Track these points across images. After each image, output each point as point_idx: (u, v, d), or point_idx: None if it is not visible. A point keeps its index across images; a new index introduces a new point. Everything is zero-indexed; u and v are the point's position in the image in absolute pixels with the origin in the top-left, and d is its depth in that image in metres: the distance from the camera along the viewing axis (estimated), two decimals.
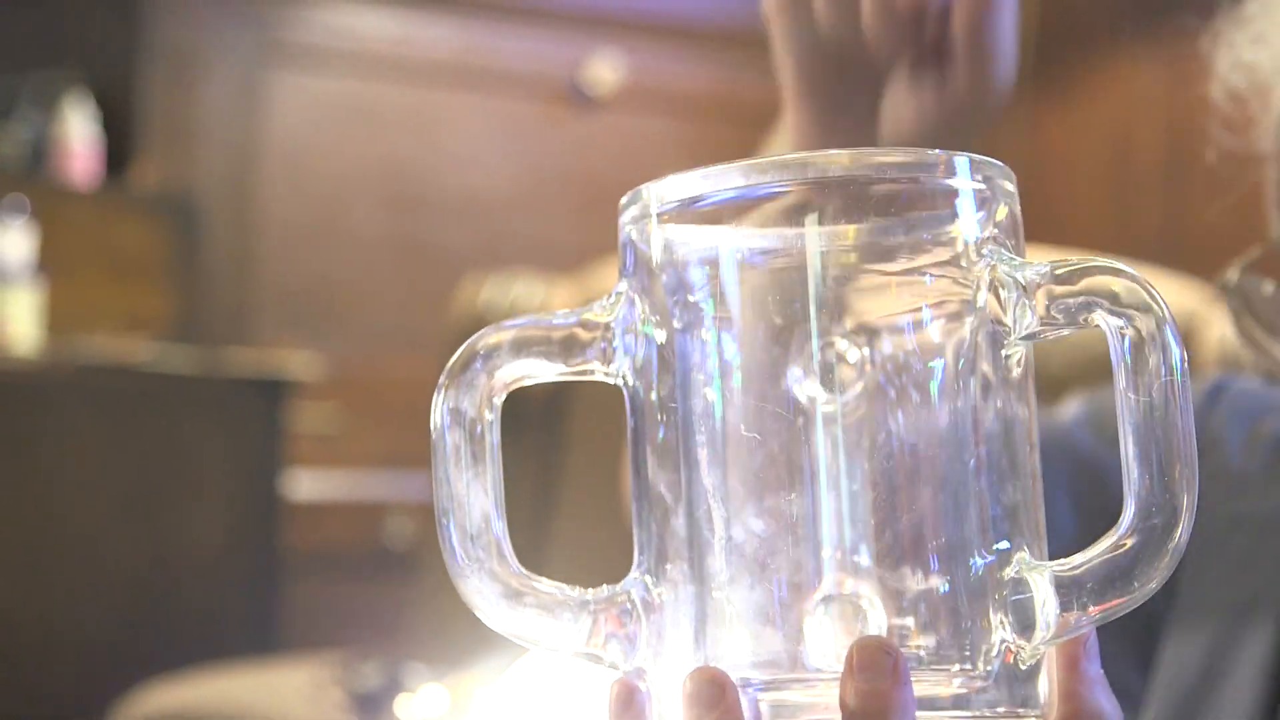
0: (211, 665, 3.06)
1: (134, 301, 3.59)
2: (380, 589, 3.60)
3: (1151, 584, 0.79)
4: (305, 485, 3.65)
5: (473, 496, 0.86)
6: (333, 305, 4.14)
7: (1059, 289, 0.80)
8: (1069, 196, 4.37)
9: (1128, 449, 0.80)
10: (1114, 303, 0.79)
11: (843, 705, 0.78)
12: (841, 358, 0.82)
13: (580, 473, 3.09)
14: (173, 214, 3.69)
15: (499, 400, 0.86)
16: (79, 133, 3.70)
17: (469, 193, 4.26)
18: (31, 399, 3.27)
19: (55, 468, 3.26)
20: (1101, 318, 0.79)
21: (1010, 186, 0.85)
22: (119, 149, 3.79)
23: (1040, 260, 0.81)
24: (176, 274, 3.69)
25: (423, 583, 3.17)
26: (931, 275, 0.82)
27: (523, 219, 4.10)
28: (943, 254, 0.82)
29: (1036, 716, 0.82)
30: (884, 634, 0.80)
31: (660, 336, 0.84)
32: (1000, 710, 0.81)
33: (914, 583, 0.81)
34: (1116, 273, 0.79)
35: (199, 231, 3.73)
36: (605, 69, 4.19)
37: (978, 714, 0.82)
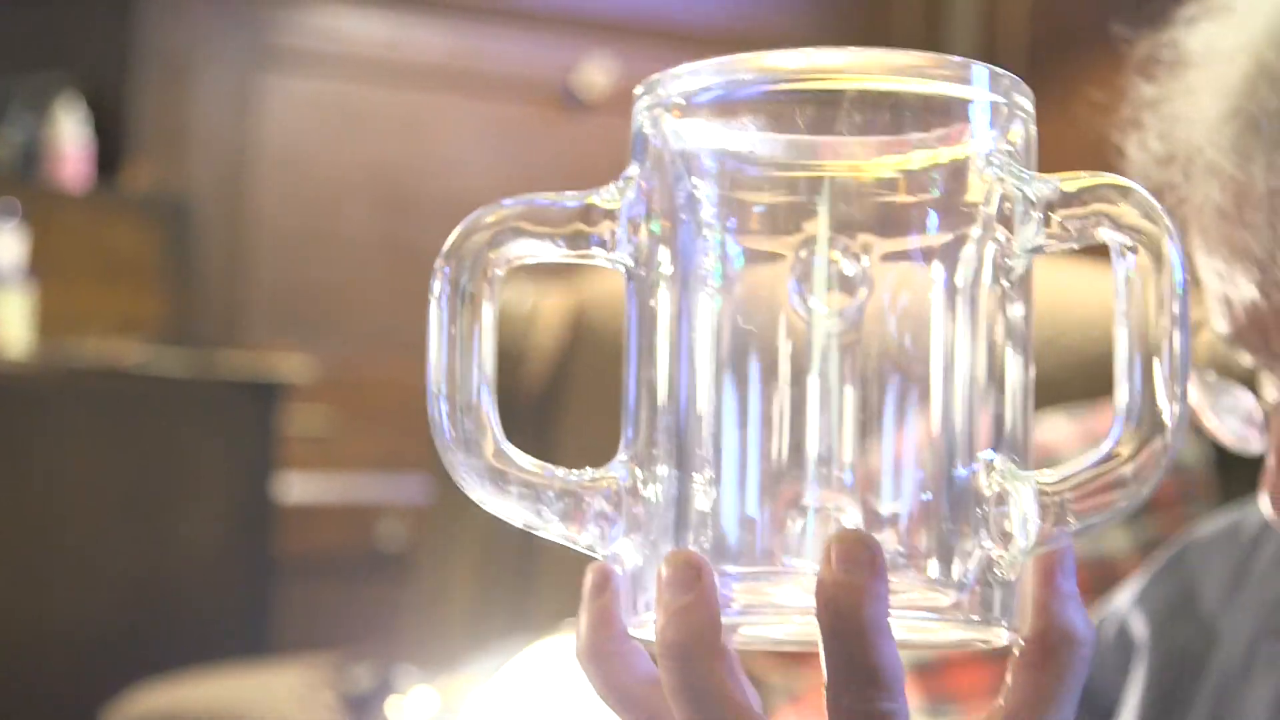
0: (205, 667, 3.07)
1: (126, 304, 3.60)
2: (373, 591, 3.62)
3: (1140, 496, 0.79)
4: (298, 488, 3.66)
5: (467, 371, 0.86)
6: (325, 308, 4.15)
7: (1065, 205, 0.80)
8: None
9: (1120, 362, 0.81)
10: (1119, 220, 0.80)
11: (819, 595, 0.78)
12: (845, 267, 0.82)
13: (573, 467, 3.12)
14: (165, 217, 3.70)
15: (499, 273, 0.86)
16: (71, 136, 3.71)
17: (461, 196, 4.26)
18: (24, 402, 3.28)
19: (49, 471, 3.26)
20: (1106, 234, 0.79)
21: (1029, 105, 0.86)
22: (111, 152, 3.80)
23: (1049, 175, 0.83)
24: (169, 277, 3.70)
25: (415, 585, 3.18)
26: (940, 184, 0.83)
27: None
28: (953, 161, 0.83)
29: (1010, 628, 0.83)
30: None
31: (664, 228, 0.84)
32: (975, 619, 0.81)
33: (897, 491, 0.82)
34: (1124, 192, 0.79)
35: (191, 234, 3.73)
36: (597, 73, 4.21)
37: (952, 621, 0.83)
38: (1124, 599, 1.49)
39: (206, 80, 4.04)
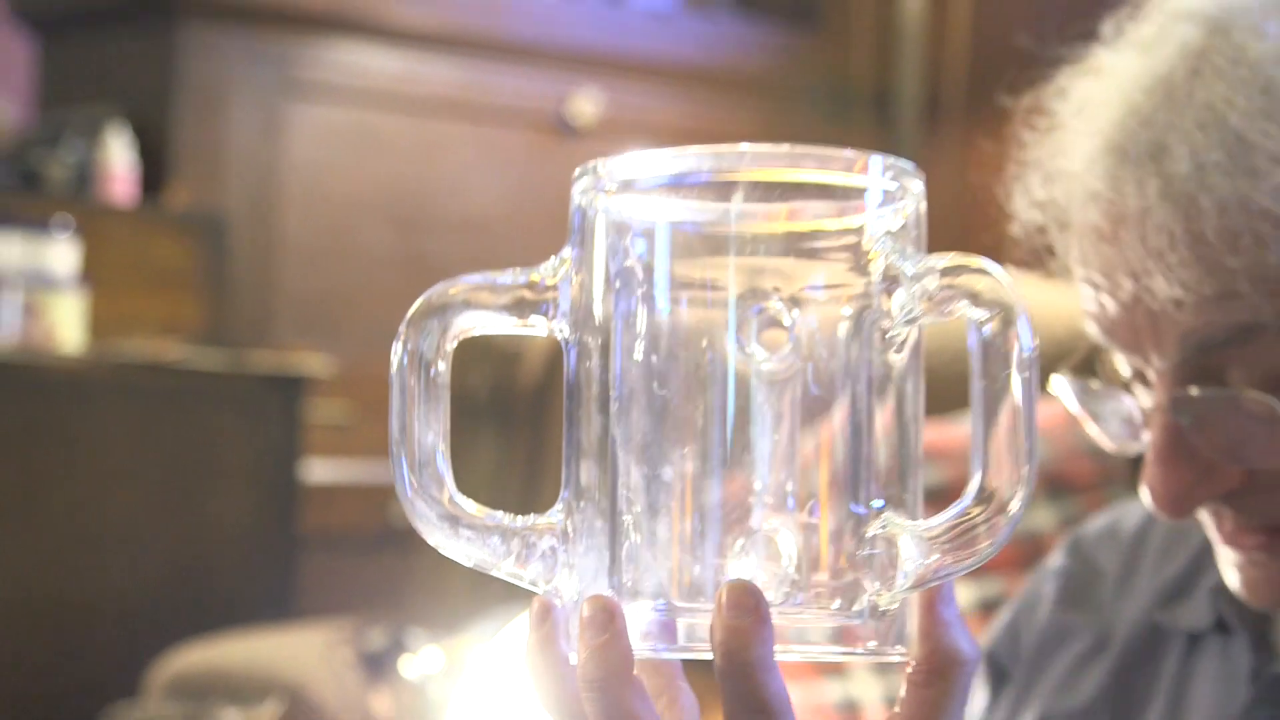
0: (237, 629, 3.08)
1: (168, 309, 3.60)
2: (385, 562, 3.62)
3: (990, 549, 0.81)
4: (318, 471, 3.66)
5: (423, 431, 0.87)
6: (343, 312, 4.14)
7: (934, 282, 0.81)
8: (1004, 224, 4.42)
9: (976, 428, 0.82)
10: (976, 299, 0.80)
11: (712, 639, 0.80)
12: (775, 318, 0.82)
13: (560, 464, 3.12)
14: (202, 231, 3.70)
15: (451, 347, 0.87)
16: (118, 159, 3.70)
17: (464, 213, 4.27)
18: (77, 394, 3.29)
19: (97, 455, 3.27)
20: (965, 309, 0.81)
21: (918, 187, 0.86)
22: (154, 173, 3.80)
23: (927, 255, 0.83)
24: (205, 284, 3.70)
25: (422, 557, 3.19)
26: (837, 260, 0.84)
27: (511, 236, 4.11)
28: (849, 240, 0.83)
29: (900, 654, 0.84)
30: (792, 579, 0.83)
31: (599, 297, 0.84)
32: (871, 645, 0.83)
33: (807, 528, 0.83)
34: (983, 272, 0.81)
35: (225, 247, 3.74)
36: (586, 103, 4.21)
37: (849, 649, 0.84)
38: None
39: (238, 110, 4.03)
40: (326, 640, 2.86)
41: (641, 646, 0.83)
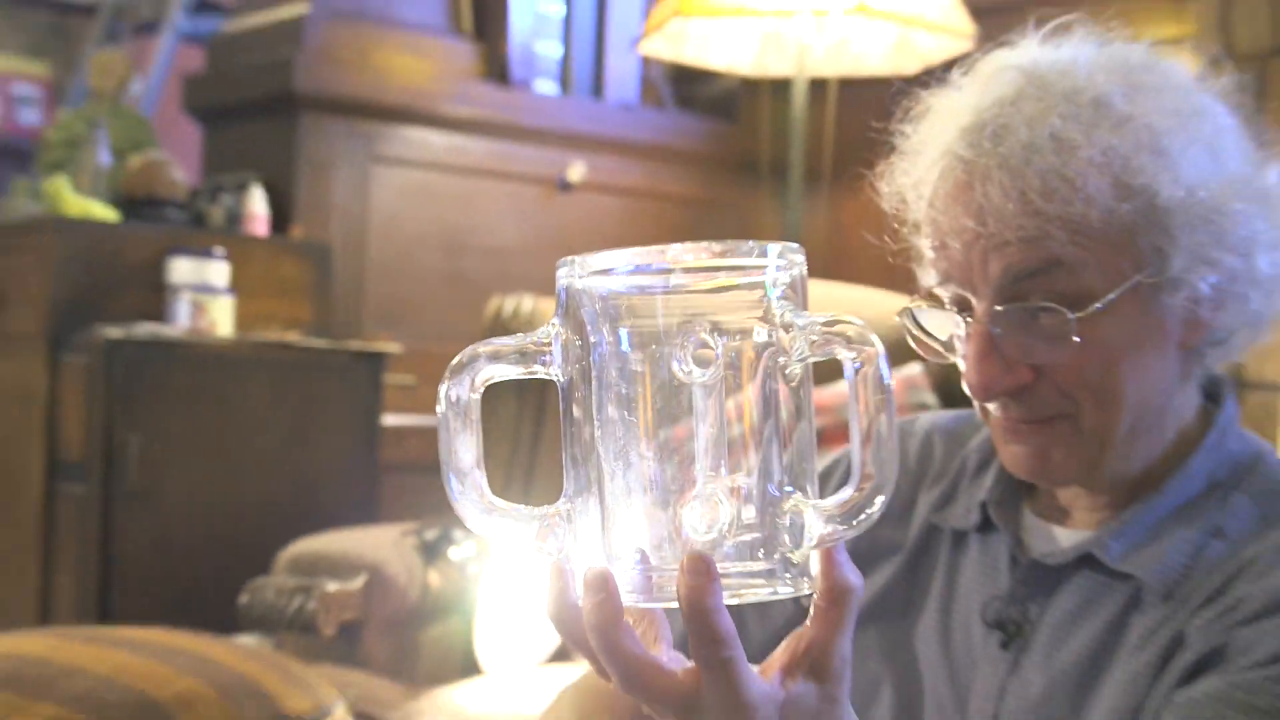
0: (336, 528, 3.10)
1: (289, 309, 3.60)
2: (437, 483, 3.62)
3: (868, 520, 0.82)
4: (391, 419, 3.67)
5: (464, 453, 0.87)
6: (408, 311, 4.13)
7: (817, 331, 0.81)
8: (861, 256, 4.38)
9: (854, 438, 0.82)
10: (848, 344, 0.81)
11: (679, 595, 0.80)
12: (705, 343, 0.82)
13: (556, 442, 3.09)
14: (313, 256, 3.70)
15: (479, 391, 0.86)
16: (257, 207, 3.69)
17: (493, 243, 4.26)
18: (227, 367, 3.29)
19: (242, 409, 3.28)
20: (839, 351, 0.81)
21: (800, 259, 0.85)
22: (280, 217, 3.79)
23: (812, 312, 0.84)
24: (315, 293, 3.70)
25: None
26: (748, 315, 0.84)
27: (525, 259, 4.10)
28: (755, 300, 0.84)
29: (809, 589, 0.85)
30: (725, 526, 0.83)
31: (579, 348, 0.84)
32: (787, 579, 0.84)
33: (742, 499, 0.83)
34: (852, 324, 0.81)
35: (329, 267, 3.74)
36: (576, 170, 4.20)
37: (774, 589, 0.84)
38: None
39: (339, 173, 4.02)
40: (397, 535, 2.86)
41: (628, 599, 0.83)
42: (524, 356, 0.86)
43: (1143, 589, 1.13)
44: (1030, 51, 1.19)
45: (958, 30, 3.33)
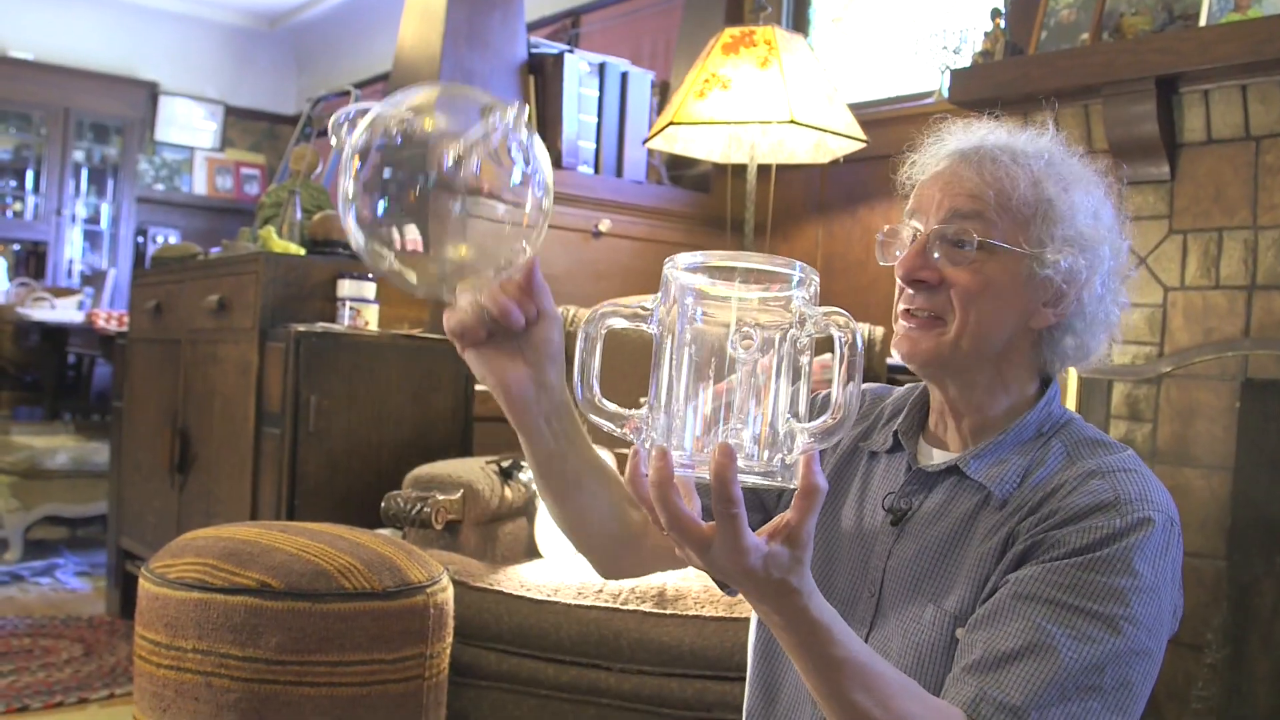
0: (444, 458, 3.08)
1: (415, 313, 3.58)
2: (513, 431, 3.60)
3: (837, 438, 0.85)
4: (480, 386, 3.65)
5: (589, 372, 0.88)
6: None
7: (820, 319, 0.84)
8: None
9: (835, 383, 0.86)
10: (839, 326, 0.84)
11: (710, 467, 0.82)
12: (748, 335, 0.85)
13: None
14: None
15: (605, 330, 0.89)
16: None
17: (550, 273, 4.18)
18: (374, 351, 3.25)
19: (383, 379, 3.25)
20: (834, 331, 0.84)
21: (815, 276, 0.87)
22: None
23: (819, 307, 0.85)
24: (431, 303, 3.68)
25: None
26: (779, 309, 0.86)
27: (571, 285, 4.07)
28: (784, 299, 0.86)
29: (794, 483, 0.85)
30: (749, 436, 0.85)
31: (669, 316, 0.87)
32: (781, 479, 0.87)
33: (759, 425, 0.85)
34: (841, 313, 0.84)
35: None
36: (605, 224, 4.19)
37: (771, 478, 0.85)
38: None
39: None
40: (483, 463, 2.84)
41: (678, 470, 0.85)
42: (634, 316, 0.90)
43: (989, 496, 1.14)
44: (1004, 128, 1.23)
45: (856, 137, 3.37)
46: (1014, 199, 1.12)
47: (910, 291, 1.16)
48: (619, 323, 0.89)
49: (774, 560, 0.85)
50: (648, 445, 0.86)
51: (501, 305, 0.99)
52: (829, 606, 0.92)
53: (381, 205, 0.89)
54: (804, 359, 0.85)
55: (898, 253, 1.18)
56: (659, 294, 0.87)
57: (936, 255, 1.14)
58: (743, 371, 0.84)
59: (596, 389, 0.89)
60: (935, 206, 1.16)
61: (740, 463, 0.82)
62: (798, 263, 0.85)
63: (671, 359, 0.85)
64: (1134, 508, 1.03)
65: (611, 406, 0.89)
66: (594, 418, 0.89)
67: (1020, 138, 1.18)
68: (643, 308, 0.88)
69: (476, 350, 1.05)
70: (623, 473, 0.93)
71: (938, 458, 1.22)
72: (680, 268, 0.86)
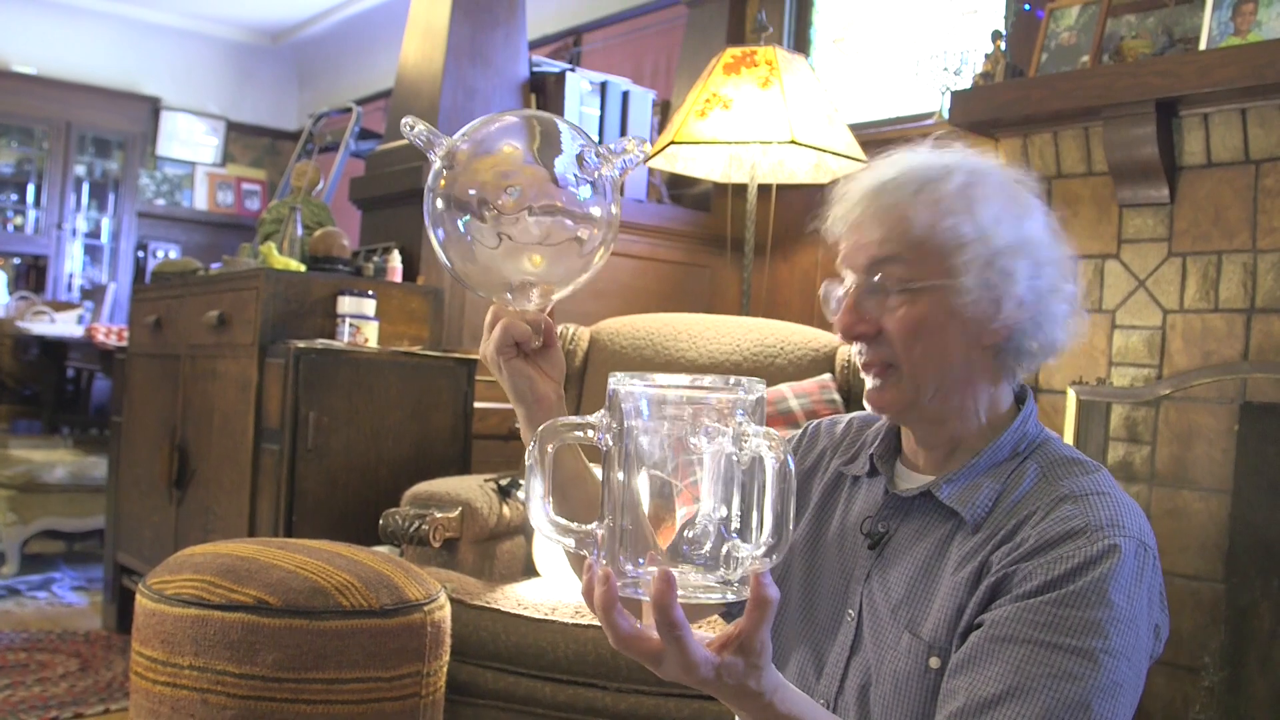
0: (441, 476, 3.10)
1: (415, 331, 3.59)
2: (511, 448, 3.59)
3: (776, 559, 0.82)
4: (479, 404, 3.65)
5: (537, 487, 0.86)
6: None
7: (760, 437, 0.83)
8: (791, 302, 4.33)
9: (769, 509, 0.82)
10: (769, 449, 0.81)
11: (651, 597, 0.82)
12: (693, 449, 0.83)
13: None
14: (430, 297, 3.69)
15: (551, 451, 0.86)
16: (395, 264, 3.69)
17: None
18: (374, 368, 3.24)
19: (382, 396, 3.24)
20: (765, 453, 0.81)
21: (760, 388, 0.84)
22: (410, 271, 3.78)
23: (757, 426, 0.84)
24: (430, 319, 3.69)
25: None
26: (719, 426, 0.84)
27: (574, 302, 4.07)
28: (726, 415, 0.84)
29: (744, 595, 0.84)
30: (704, 552, 0.84)
31: (616, 429, 0.84)
32: (730, 595, 0.84)
33: (706, 544, 0.83)
34: (775, 437, 0.82)
35: (440, 302, 3.73)
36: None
37: (719, 593, 0.84)
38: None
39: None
40: (481, 480, 2.84)
41: (621, 590, 0.84)
42: (581, 431, 0.86)
43: (962, 521, 1.13)
44: (917, 151, 1.21)
45: (857, 157, 3.38)
46: (921, 235, 1.12)
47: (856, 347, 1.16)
48: (571, 438, 0.87)
49: (728, 670, 0.86)
50: (602, 560, 0.85)
51: (548, 321, 1.05)
52: (797, 696, 0.92)
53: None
54: (748, 471, 0.83)
55: (834, 309, 1.19)
56: (604, 410, 0.86)
57: (867, 306, 1.14)
58: (686, 489, 0.83)
59: (547, 506, 0.87)
60: (855, 259, 1.15)
61: (692, 577, 0.82)
62: (743, 380, 0.84)
63: (619, 474, 0.84)
64: (1104, 534, 1.02)
65: (563, 522, 0.87)
66: (552, 536, 0.87)
67: (929, 159, 1.17)
68: (589, 424, 0.86)
69: (524, 362, 1.11)
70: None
71: (913, 481, 1.21)
72: (626, 384, 0.84)
